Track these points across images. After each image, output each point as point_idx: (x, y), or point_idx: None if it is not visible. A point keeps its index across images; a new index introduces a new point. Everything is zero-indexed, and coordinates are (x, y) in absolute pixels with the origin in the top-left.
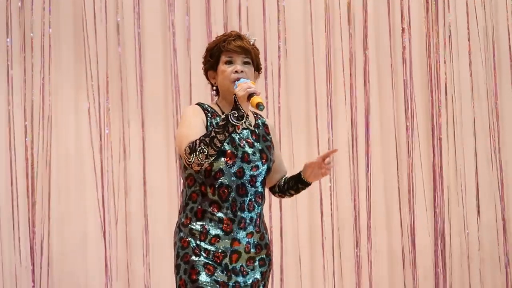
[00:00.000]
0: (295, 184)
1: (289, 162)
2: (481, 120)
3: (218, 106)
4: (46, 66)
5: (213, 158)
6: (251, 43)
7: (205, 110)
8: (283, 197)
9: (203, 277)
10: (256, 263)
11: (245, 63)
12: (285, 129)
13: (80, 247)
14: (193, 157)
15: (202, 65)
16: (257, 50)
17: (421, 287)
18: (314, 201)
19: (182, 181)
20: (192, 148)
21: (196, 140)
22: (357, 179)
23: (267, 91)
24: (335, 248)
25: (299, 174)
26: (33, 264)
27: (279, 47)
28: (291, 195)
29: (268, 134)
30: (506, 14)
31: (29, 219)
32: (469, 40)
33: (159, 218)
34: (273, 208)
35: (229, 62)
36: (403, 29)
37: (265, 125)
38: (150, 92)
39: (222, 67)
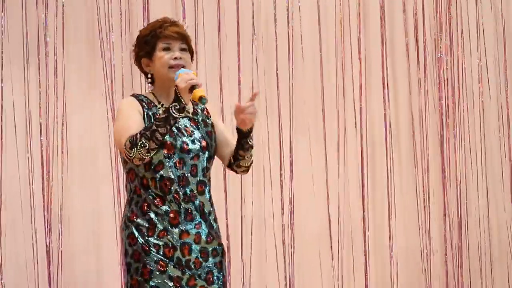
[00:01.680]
0: (238, 143)
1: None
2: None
3: (154, 95)
4: (61, 66)
5: (155, 152)
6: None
7: (140, 101)
8: (241, 168)
9: (156, 276)
10: (209, 254)
11: (182, 49)
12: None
13: (96, 246)
14: (134, 152)
15: (133, 53)
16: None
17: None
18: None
19: (124, 176)
20: (133, 142)
21: (136, 134)
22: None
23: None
24: (346, 248)
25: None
26: (48, 263)
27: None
28: (243, 158)
29: (208, 118)
30: None
31: (44, 218)
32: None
33: None
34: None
35: (167, 49)
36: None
37: (205, 110)
38: None
39: (159, 53)
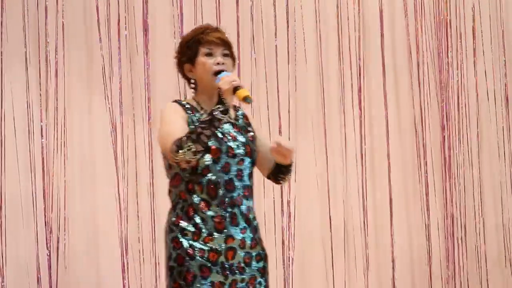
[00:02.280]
0: (278, 169)
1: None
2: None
3: (196, 101)
4: (61, 67)
5: (201, 154)
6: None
7: (183, 106)
8: (280, 183)
9: (199, 281)
10: (253, 259)
11: (225, 55)
12: (298, 134)
13: (96, 247)
14: (180, 155)
15: (176, 59)
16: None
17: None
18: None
19: (168, 181)
20: (179, 145)
21: (182, 137)
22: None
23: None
24: (346, 248)
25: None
26: (49, 265)
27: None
28: (283, 178)
29: (249, 124)
30: None
31: (45, 219)
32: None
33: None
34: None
35: (209, 54)
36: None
37: (244, 116)
38: (160, 92)
39: (202, 59)
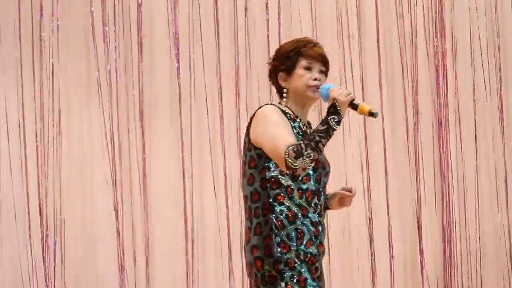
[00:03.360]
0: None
1: None
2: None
3: (289, 109)
4: (56, 69)
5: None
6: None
7: (283, 112)
8: None
9: (311, 284)
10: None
11: (321, 71)
12: None
13: (92, 250)
14: (299, 162)
15: (272, 65)
16: None
17: None
18: None
19: (246, 180)
20: (299, 152)
21: (300, 143)
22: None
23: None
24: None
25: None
26: (45, 268)
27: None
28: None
29: None
30: None
31: (41, 222)
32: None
33: (162, 220)
34: None
35: (308, 68)
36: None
37: (310, 126)
38: (155, 97)
39: (300, 71)
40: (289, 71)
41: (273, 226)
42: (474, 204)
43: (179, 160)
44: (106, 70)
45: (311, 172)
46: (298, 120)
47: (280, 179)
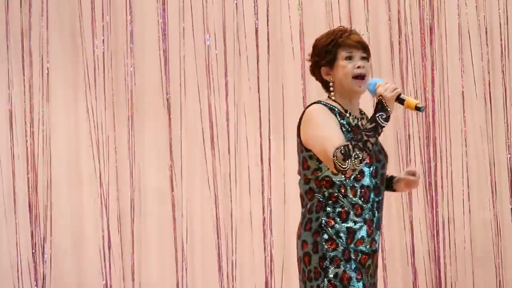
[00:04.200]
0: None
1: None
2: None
3: (338, 104)
4: (45, 67)
5: (365, 162)
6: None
7: (331, 110)
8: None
9: (355, 283)
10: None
11: (363, 58)
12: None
13: (80, 246)
14: (348, 164)
15: (313, 61)
16: None
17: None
18: None
19: (302, 180)
20: (346, 154)
21: (347, 145)
22: None
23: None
24: None
25: (390, 180)
26: (34, 264)
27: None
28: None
29: None
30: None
31: (30, 218)
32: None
33: (150, 217)
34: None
35: (349, 58)
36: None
37: (367, 118)
38: (143, 92)
39: (342, 62)
40: (331, 64)
41: (323, 223)
42: (461, 200)
43: (168, 156)
44: (94, 65)
45: (365, 168)
46: (347, 115)
47: (333, 179)
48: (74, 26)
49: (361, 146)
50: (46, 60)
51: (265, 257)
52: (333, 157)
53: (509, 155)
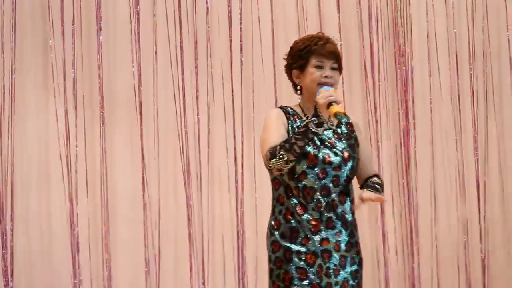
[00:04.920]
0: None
1: None
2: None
3: (301, 107)
4: (11, 68)
5: (293, 163)
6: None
7: (286, 113)
8: None
9: (297, 282)
10: (347, 262)
11: (333, 68)
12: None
13: (47, 247)
14: (272, 163)
15: (287, 62)
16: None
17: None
18: None
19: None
20: (272, 153)
21: (276, 146)
22: None
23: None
24: None
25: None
26: (3, 266)
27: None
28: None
29: (353, 131)
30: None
31: None
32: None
33: (121, 218)
34: None
35: (319, 67)
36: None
37: (348, 124)
38: (115, 93)
39: (311, 69)
40: (302, 69)
41: (271, 225)
42: (431, 202)
43: (139, 155)
44: (63, 67)
45: (308, 169)
46: (305, 118)
47: (280, 180)
48: (43, 24)
49: (287, 147)
50: (15, 61)
51: (238, 257)
52: (265, 156)
53: (477, 157)
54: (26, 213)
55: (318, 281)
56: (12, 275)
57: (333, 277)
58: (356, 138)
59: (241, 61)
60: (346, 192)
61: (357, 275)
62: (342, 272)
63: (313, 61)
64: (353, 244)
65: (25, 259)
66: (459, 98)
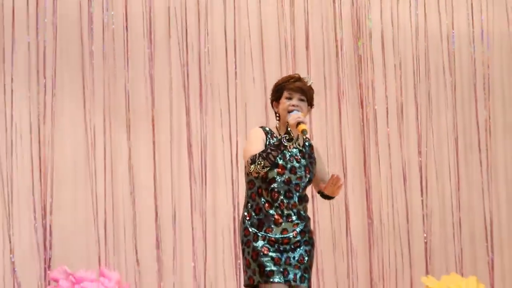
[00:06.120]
0: (324, 195)
1: None
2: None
3: (277, 129)
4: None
5: (268, 168)
6: (308, 84)
7: (265, 132)
8: (327, 199)
9: (261, 256)
10: (302, 243)
11: (301, 99)
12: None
13: (79, 230)
14: (253, 167)
15: (271, 96)
16: (312, 90)
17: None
18: None
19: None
20: (253, 160)
21: (256, 154)
22: None
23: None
24: None
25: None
26: None
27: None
28: (327, 199)
29: (312, 153)
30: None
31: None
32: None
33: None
34: None
35: (289, 98)
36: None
37: (310, 146)
38: (137, 100)
39: (283, 100)
40: (278, 100)
41: (245, 216)
42: (386, 190)
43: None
44: (92, 78)
45: (275, 175)
46: (279, 137)
47: (255, 182)
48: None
49: (264, 156)
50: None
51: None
52: (247, 162)
53: (420, 159)
54: (65, 203)
55: (279, 255)
56: (51, 248)
57: (290, 252)
58: (314, 158)
59: (235, 84)
60: (303, 196)
61: (310, 253)
62: (298, 249)
63: (285, 94)
64: (306, 232)
65: (62, 237)
66: (416, 100)
